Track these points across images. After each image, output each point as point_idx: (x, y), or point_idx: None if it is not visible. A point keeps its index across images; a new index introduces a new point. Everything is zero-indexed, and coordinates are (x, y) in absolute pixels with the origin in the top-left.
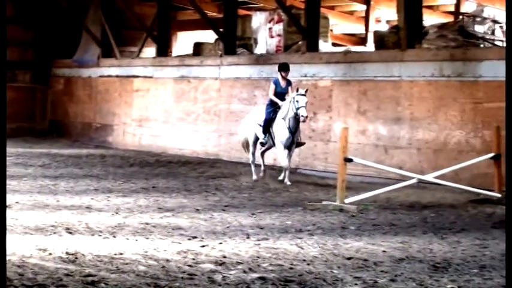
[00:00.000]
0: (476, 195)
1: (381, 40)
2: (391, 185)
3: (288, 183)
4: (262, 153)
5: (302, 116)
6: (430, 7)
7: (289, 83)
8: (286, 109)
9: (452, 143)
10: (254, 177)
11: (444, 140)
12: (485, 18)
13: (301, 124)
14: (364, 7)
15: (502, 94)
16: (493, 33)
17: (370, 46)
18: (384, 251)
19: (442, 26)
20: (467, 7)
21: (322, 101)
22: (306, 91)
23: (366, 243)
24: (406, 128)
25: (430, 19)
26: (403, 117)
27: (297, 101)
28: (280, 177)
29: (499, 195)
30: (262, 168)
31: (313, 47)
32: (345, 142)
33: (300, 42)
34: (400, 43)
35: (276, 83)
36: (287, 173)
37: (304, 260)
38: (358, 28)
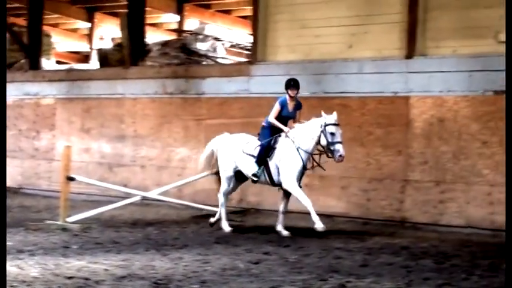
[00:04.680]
0: (199, 211)
1: (104, 58)
2: (116, 202)
3: (321, 226)
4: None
5: (340, 156)
6: (153, 25)
7: (298, 105)
8: (303, 136)
9: (176, 160)
10: (227, 228)
11: (168, 156)
12: (207, 36)
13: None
14: (87, 25)
15: (223, 111)
16: (215, 50)
17: (94, 64)
18: (105, 269)
19: (165, 44)
20: (189, 25)
21: (45, 120)
22: (336, 118)
23: (88, 262)
24: (130, 145)
25: (153, 37)
26: (126, 135)
27: (331, 133)
28: (317, 226)
29: None
30: (222, 215)
31: (35, 65)
32: (67, 160)
33: (22, 60)
34: (124, 60)
35: (283, 104)
36: (314, 213)
37: (24, 281)
38: (82, 46)
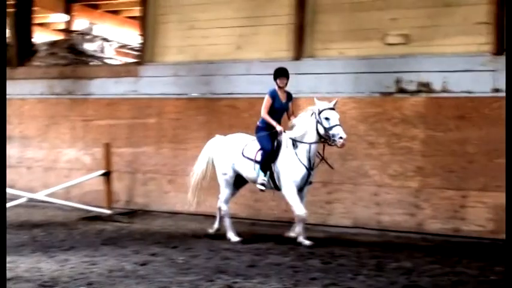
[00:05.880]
0: (87, 213)
1: None
2: None
3: (306, 242)
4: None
5: (340, 138)
6: (41, 24)
7: (289, 97)
8: (301, 133)
9: (64, 161)
10: (235, 238)
11: (55, 157)
12: (95, 36)
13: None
14: None
15: (111, 111)
16: (103, 51)
17: None
18: None
19: (52, 44)
20: (78, 25)
21: None
22: (335, 103)
23: None
24: (17, 146)
25: (41, 36)
26: (13, 136)
27: (326, 118)
28: (292, 234)
29: (109, 211)
30: (217, 224)
31: None
32: None
33: None
34: (10, 60)
35: (274, 95)
36: (301, 227)
37: None
38: None
